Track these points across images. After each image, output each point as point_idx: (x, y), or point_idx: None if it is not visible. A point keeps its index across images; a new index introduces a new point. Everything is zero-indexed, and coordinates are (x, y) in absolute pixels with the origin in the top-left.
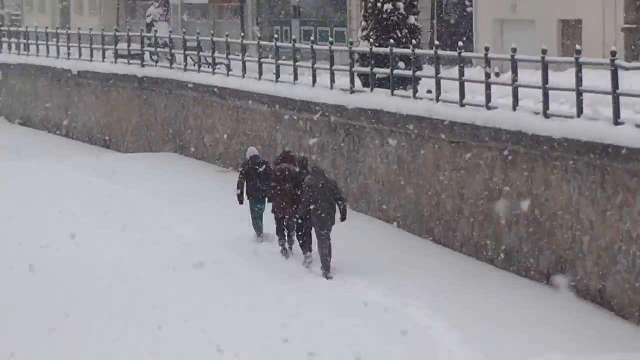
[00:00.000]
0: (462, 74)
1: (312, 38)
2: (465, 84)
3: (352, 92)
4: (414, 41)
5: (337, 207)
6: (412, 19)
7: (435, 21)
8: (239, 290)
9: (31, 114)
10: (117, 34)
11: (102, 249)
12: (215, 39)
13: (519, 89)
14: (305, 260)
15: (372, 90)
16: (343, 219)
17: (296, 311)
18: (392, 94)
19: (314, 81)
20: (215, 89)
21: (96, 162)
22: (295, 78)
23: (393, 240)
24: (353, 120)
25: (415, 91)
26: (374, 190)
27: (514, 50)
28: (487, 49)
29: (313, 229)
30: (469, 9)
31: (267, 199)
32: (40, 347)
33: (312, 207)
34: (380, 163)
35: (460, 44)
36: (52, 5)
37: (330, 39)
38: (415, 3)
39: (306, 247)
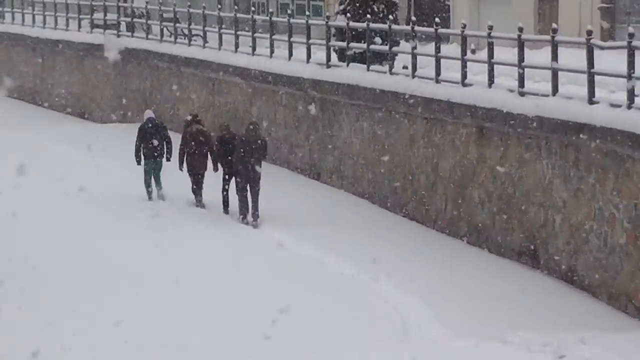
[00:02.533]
0: (438, 50)
1: (289, 11)
2: (442, 60)
3: (328, 66)
4: (390, 16)
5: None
6: None
7: None
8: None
9: (5, 82)
10: (94, 3)
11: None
12: (191, 10)
13: (495, 66)
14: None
15: (347, 65)
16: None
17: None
18: (368, 69)
19: (290, 55)
20: (191, 61)
21: (69, 132)
22: (272, 51)
23: (365, 215)
24: (328, 94)
25: (391, 67)
26: (348, 165)
27: (490, 28)
28: (463, 26)
29: (239, 182)
30: None
31: (162, 159)
32: None
33: (245, 160)
34: (355, 138)
35: (437, 20)
36: None
37: (307, 13)
38: None
39: (238, 203)
